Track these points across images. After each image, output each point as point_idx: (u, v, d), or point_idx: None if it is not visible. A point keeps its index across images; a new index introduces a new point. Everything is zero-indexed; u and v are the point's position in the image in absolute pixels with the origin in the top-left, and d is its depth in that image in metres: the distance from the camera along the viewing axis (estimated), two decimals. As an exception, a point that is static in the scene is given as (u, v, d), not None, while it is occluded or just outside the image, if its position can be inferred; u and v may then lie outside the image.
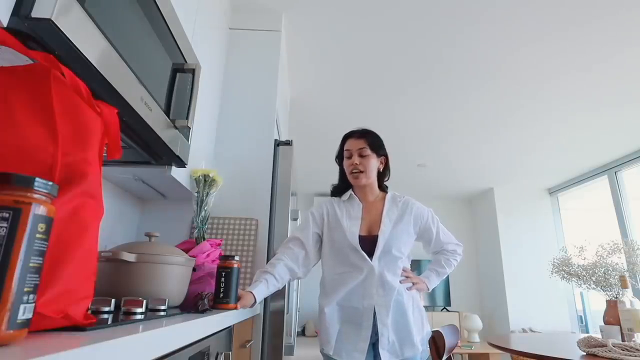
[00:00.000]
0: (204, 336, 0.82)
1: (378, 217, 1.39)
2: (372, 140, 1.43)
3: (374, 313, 1.27)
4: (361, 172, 1.38)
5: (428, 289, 1.41)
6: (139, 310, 0.77)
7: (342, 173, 1.50)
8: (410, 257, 1.42)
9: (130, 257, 0.91)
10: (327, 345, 1.30)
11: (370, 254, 1.31)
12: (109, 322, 0.62)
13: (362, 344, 1.26)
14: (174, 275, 1.00)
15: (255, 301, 1.19)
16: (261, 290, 1.23)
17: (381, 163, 1.46)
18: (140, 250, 0.96)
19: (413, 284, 1.36)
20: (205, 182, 1.51)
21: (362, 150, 1.39)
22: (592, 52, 2.38)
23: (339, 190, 1.51)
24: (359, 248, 1.31)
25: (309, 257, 1.38)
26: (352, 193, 1.46)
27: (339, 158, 1.50)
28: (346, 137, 1.46)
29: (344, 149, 1.44)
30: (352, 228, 1.35)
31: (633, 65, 2.49)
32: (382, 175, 1.48)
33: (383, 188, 1.49)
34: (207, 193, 1.52)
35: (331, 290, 1.34)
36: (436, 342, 1.67)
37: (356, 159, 1.39)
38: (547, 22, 2.15)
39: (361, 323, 1.28)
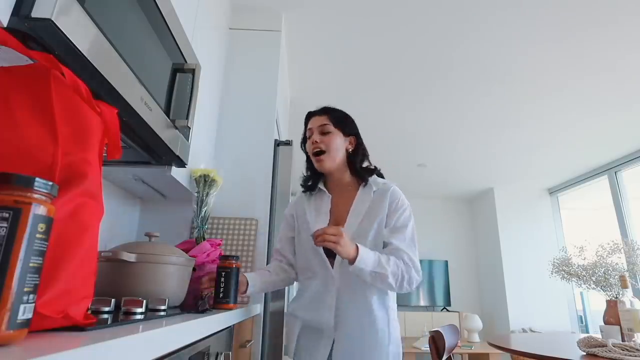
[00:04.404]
0: (204, 336, 0.82)
1: (346, 212, 1.18)
2: (336, 116, 1.24)
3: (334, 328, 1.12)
4: (323, 151, 1.19)
5: (348, 257, 1.01)
6: (139, 310, 0.77)
7: (308, 160, 1.30)
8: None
9: (130, 257, 0.91)
10: (288, 350, 1.23)
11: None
12: (109, 322, 0.62)
13: (322, 354, 1.13)
14: (174, 275, 1.00)
15: (247, 286, 1.14)
16: (253, 276, 1.18)
17: (350, 143, 1.25)
18: (140, 250, 0.96)
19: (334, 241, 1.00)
20: (205, 182, 1.51)
21: (324, 127, 1.21)
22: (593, 55, 2.38)
23: (307, 182, 1.31)
24: (321, 251, 1.14)
25: (291, 263, 1.29)
26: (322, 184, 1.28)
27: (304, 142, 1.30)
28: (308, 117, 1.29)
29: (307, 129, 1.27)
30: (317, 225, 1.17)
31: (634, 67, 2.49)
32: (353, 157, 1.24)
33: (359, 174, 1.24)
34: (207, 193, 1.52)
35: (298, 295, 1.24)
36: (436, 342, 1.67)
37: (316, 137, 1.20)
38: (549, 26, 2.15)
39: (321, 338, 1.14)
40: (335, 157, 1.21)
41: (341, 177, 1.25)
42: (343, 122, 1.25)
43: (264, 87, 2.01)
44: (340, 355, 1.10)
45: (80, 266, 0.53)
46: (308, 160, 1.31)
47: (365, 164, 1.28)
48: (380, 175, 1.29)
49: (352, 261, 1.01)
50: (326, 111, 1.26)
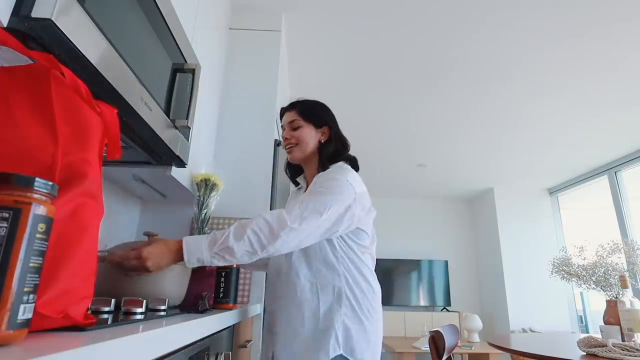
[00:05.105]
0: (204, 336, 0.82)
1: None
2: (304, 109, 1.23)
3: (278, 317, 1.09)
4: (295, 145, 1.20)
5: (169, 262, 0.88)
6: (139, 310, 0.77)
7: None
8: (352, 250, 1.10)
9: None
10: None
11: None
12: (109, 322, 0.62)
13: (268, 353, 1.08)
14: (174, 275, 1.00)
15: None
16: None
17: (323, 134, 1.23)
18: None
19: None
20: (206, 186, 1.52)
21: (293, 123, 1.21)
22: (593, 55, 2.37)
23: (291, 178, 1.35)
24: None
25: None
26: (303, 177, 1.30)
27: None
28: (281, 114, 1.29)
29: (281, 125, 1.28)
30: None
31: (634, 67, 2.49)
32: (323, 147, 1.21)
33: (323, 164, 1.20)
34: (209, 196, 1.52)
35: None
36: (436, 342, 1.67)
37: (287, 133, 1.21)
38: (548, 26, 2.14)
39: (271, 329, 1.11)
40: (306, 149, 1.20)
41: (312, 169, 1.23)
42: (313, 113, 1.23)
43: (264, 87, 2.01)
44: (283, 351, 1.04)
45: (80, 266, 0.53)
46: None
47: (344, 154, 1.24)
48: (354, 165, 1.22)
49: (180, 259, 0.89)
50: (294, 106, 1.25)
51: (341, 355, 0.99)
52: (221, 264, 0.91)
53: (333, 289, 1.05)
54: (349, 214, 1.04)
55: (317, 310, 1.03)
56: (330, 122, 1.25)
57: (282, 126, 1.27)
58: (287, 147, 1.22)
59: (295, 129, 1.21)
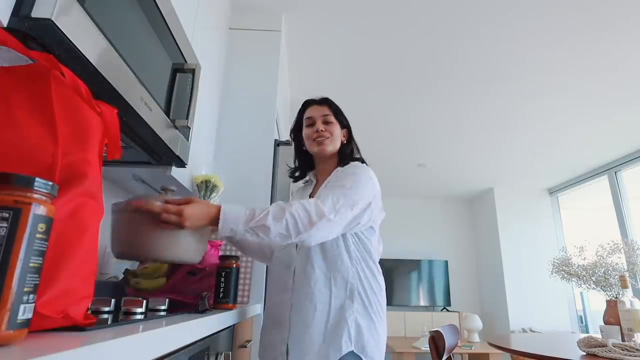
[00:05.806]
0: (204, 336, 0.82)
1: None
2: (335, 108, 1.27)
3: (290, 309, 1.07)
4: (328, 137, 1.22)
5: (202, 224, 0.90)
6: (139, 310, 0.77)
7: (297, 149, 1.33)
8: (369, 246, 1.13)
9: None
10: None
11: None
12: (109, 322, 0.62)
13: (281, 347, 1.05)
14: (197, 235, 0.94)
15: None
16: None
17: (344, 135, 1.28)
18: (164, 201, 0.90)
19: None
20: (207, 187, 1.52)
21: (327, 117, 1.23)
22: (593, 55, 2.38)
23: (295, 172, 1.34)
24: None
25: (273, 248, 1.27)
26: (312, 174, 1.31)
27: (295, 131, 1.31)
28: (306, 105, 1.29)
29: (304, 117, 1.27)
30: None
31: (634, 68, 2.49)
32: (344, 148, 1.27)
33: (344, 163, 1.23)
34: (209, 197, 1.52)
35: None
36: (436, 342, 1.67)
37: (320, 126, 1.22)
38: (549, 27, 2.15)
39: (280, 321, 1.08)
40: (336, 144, 1.24)
41: (329, 166, 1.25)
42: (341, 114, 1.28)
43: (264, 87, 2.01)
44: (294, 345, 1.03)
45: (80, 266, 0.53)
46: (296, 148, 1.33)
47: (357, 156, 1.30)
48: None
49: (214, 225, 0.90)
50: (327, 102, 1.28)
51: (352, 352, 0.99)
52: (253, 239, 0.92)
53: (346, 284, 1.06)
54: (369, 210, 1.08)
55: (329, 304, 1.04)
56: (349, 125, 1.30)
57: (308, 117, 1.26)
58: (318, 138, 1.22)
59: (328, 123, 1.23)
